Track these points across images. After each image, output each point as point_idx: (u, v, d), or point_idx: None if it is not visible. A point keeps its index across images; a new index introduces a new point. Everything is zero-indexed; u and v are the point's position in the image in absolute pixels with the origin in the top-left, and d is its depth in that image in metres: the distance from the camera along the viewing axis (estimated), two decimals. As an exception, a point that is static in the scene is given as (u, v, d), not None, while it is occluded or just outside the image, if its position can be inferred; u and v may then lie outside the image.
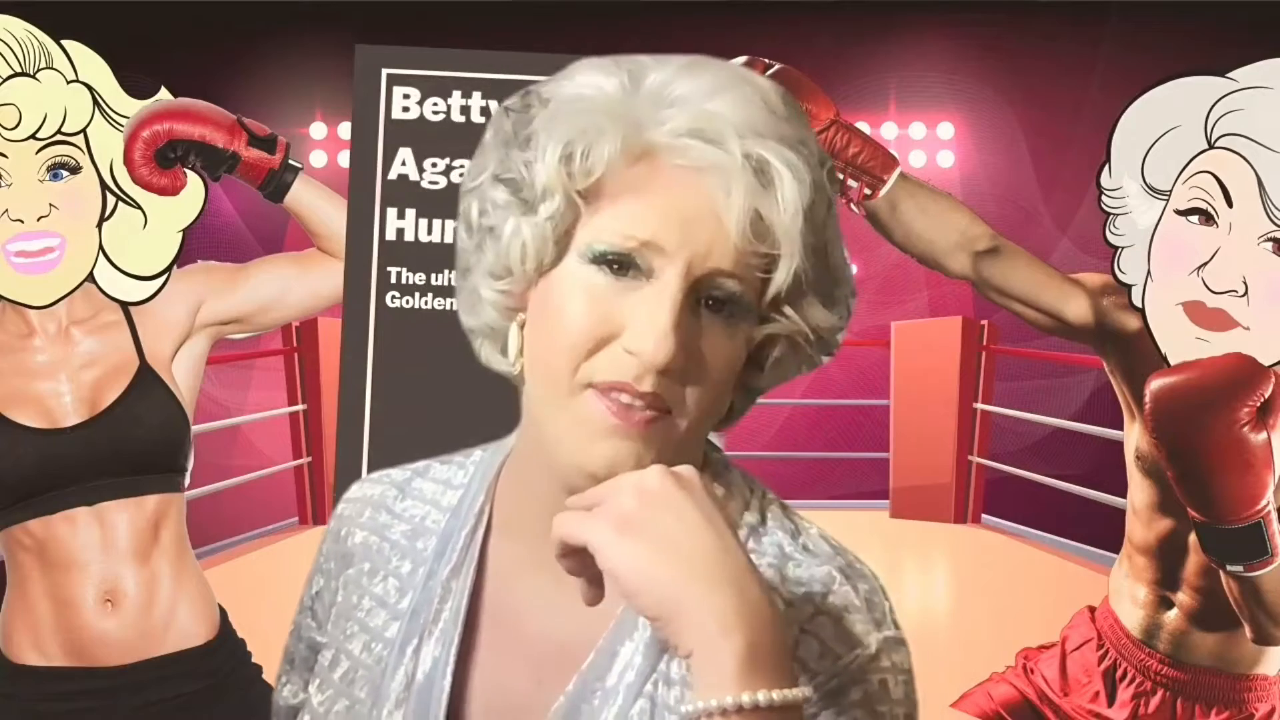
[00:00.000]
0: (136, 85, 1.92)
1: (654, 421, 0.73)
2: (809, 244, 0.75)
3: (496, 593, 0.83)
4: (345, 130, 6.33)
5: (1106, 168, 1.87)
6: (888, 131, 6.66)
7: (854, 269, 0.82)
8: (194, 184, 1.93)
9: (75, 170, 1.86)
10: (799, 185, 0.73)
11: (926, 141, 6.79)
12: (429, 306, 2.01)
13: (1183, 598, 1.95)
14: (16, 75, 1.83)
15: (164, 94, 1.93)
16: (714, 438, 0.85)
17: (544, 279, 0.76)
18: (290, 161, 1.96)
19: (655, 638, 0.76)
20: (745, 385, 0.80)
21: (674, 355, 0.72)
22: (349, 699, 0.84)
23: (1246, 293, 1.77)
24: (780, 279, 0.74)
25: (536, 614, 0.82)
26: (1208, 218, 1.79)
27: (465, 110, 2.02)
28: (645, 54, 0.78)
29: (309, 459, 5.67)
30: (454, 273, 0.83)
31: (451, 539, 0.85)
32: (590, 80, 0.76)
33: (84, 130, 1.87)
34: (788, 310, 0.77)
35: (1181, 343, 1.80)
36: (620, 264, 0.73)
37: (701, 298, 0.74)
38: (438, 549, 0.85)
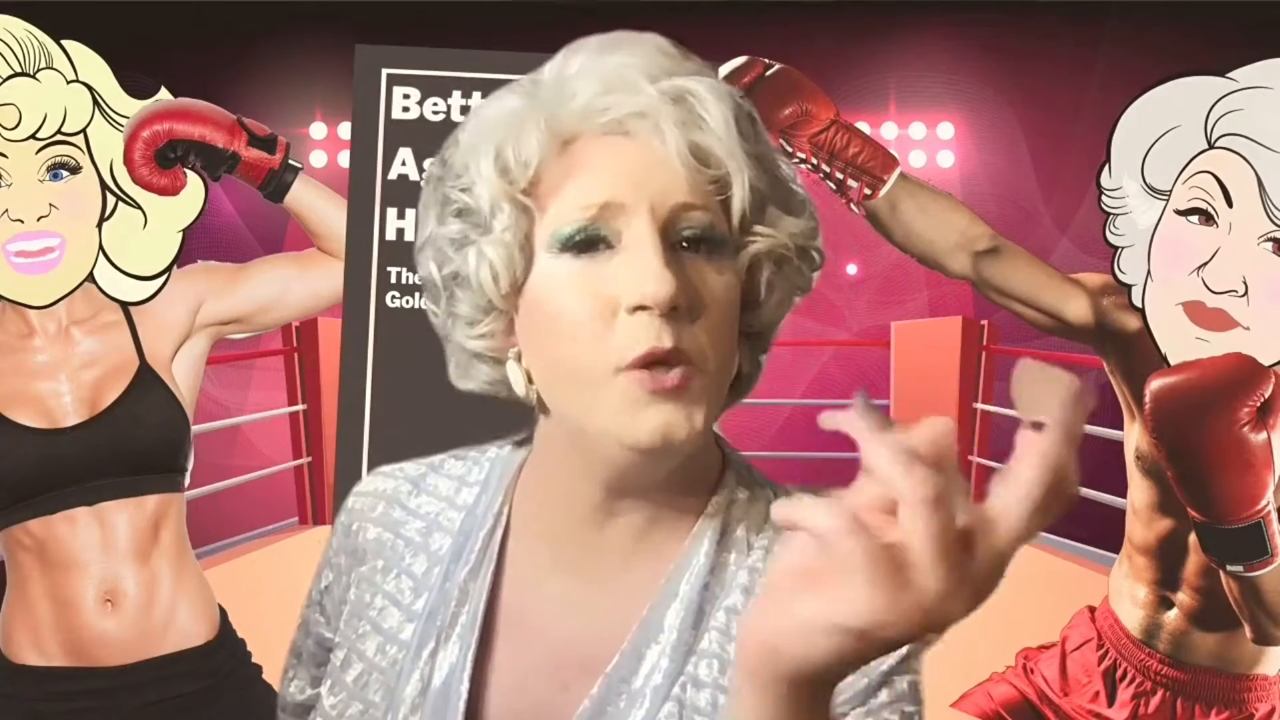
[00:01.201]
0: (136, 85, 1.92)
1: (686, 377, 0.72)
2: (750, 154, 0.76)
3: (516, 595, 0.82)
4: (345, 130, 6.32)
5: (1106, 168, 1.87)
6: (888, 131, 6.66)
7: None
8: (194, 184, 1.93)
9: (75, 170, 1.86)
10: (719, 101, 0.75)
11: (926, 141, 6.79)
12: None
13: (1183, 598, 1.95)
14: (16, 75, 1.82)
15: (164, 94, 1.93)
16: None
17: (523, 297, 0.76)
18: (290, 161, 1.96)
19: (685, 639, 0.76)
20: (749, 331, 0.79)
21: (676, 288, 0.71)
22: (362, 703, 0.83)
23: (1246, 293, 1.77)
24: (739, 194, 0.75)
25: (558, 617, 0.80)
26: (1208, 218, 1.79)
27: (465, 110, 2.03)
28: None
29: (309, 459, 5.67)
30: (445, 346, 0.83)
31: (469, 539, 0.83)
32: (495, 101, 0.79)
33: (84, 130, 1.87)
34: (758, 228, 0.77)
35: (1181, 343, 1.80)
36: (587, 241, 0.73)
37: (677, 240, 0.74)
38: (454, 549, 0.83)
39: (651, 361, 0.72)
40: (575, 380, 0.74)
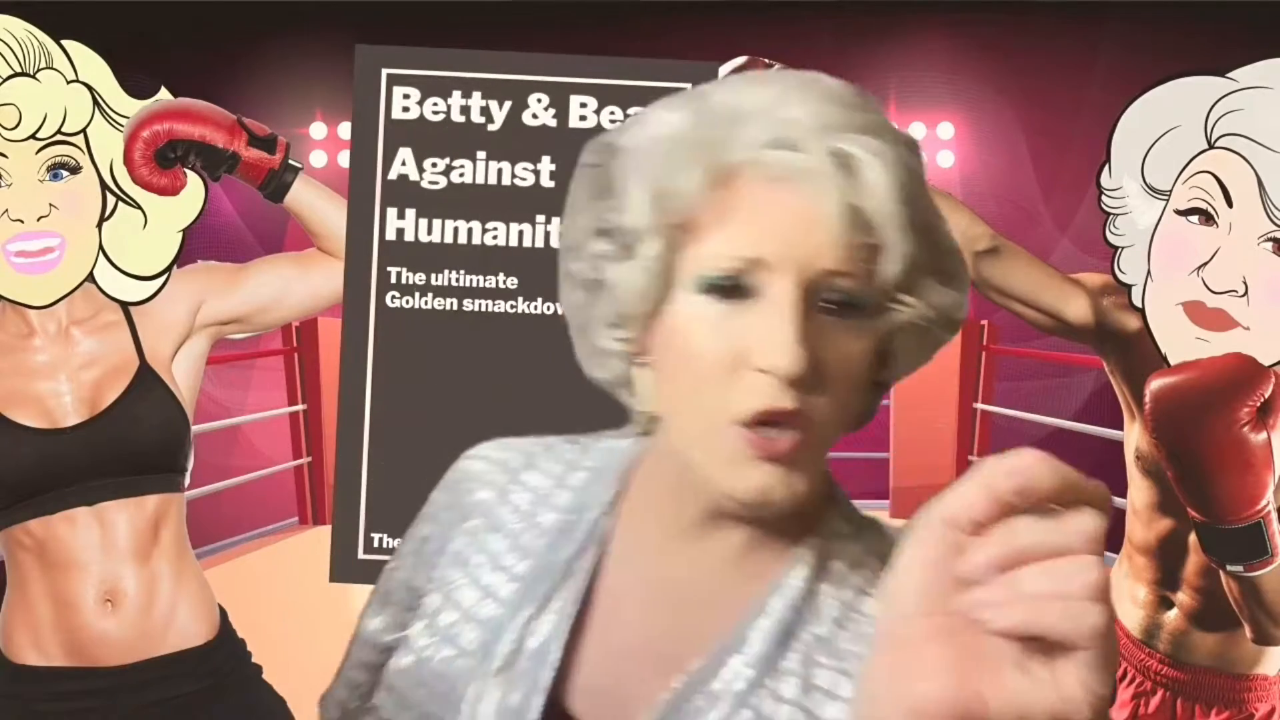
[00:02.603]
0: (136, 85, 1.92)
1: (797, 444, 0.73)
2: (912, 225, 0.74)
3: (616, 581, 0.84)
4: (345, 130, 6.33)
5: (1106, 168, 1.87)
6: (888, 131, 6.66)
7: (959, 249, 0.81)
8: (194, 184, 1.93)
9: (75, 170, 1.86)
10: (887, 170, 0.73)
11: (926, 141, 6.80)
12: (429, 306, 2.01)
13: (1183, 598, 1.95)
14: (16, 75, 1.82)
15: (164, 94, 1.93)
16: None
17: (659, 320, 0.77)
18: (290, 161, 1.96)
19: (770, 654, 0.77)
20: (875, 382, 0.79)
21: (805, 365, 0.71)
22: (454, 649, 0.85)
23: (1246, 293, 1.77)
24: (892, 265, 0.74)
25: (651, 610, 0.82)
26: (1208, 218, 1.79)
27: (465, 110, 2.03)
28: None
29: (309, 459, 5.67)
30: (572, 332, 0.84)
31: (578, 519, 0.85)
32: (660, 119, 0.77)
33: (84, 130, 1.87)
34: (905, 298, 0.76)
35: (1181, 343, 1.80)
36: (730, 288, 0.73)
37: (818, 302, 0.73)
38: (560, 525, 0.86)
39: (767, 420, 0.72)
40: (692, 418, 0.75)
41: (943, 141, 6.82)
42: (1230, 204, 1.77)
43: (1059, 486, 0.48)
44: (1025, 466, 0.49)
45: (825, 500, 0.83)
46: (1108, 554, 0.53)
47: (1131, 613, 2.00)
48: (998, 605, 0.48)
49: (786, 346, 0.71)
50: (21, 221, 1.84)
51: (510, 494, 0.89)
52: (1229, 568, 1.73)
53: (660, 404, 0.79)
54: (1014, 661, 0.48)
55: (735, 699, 0.77)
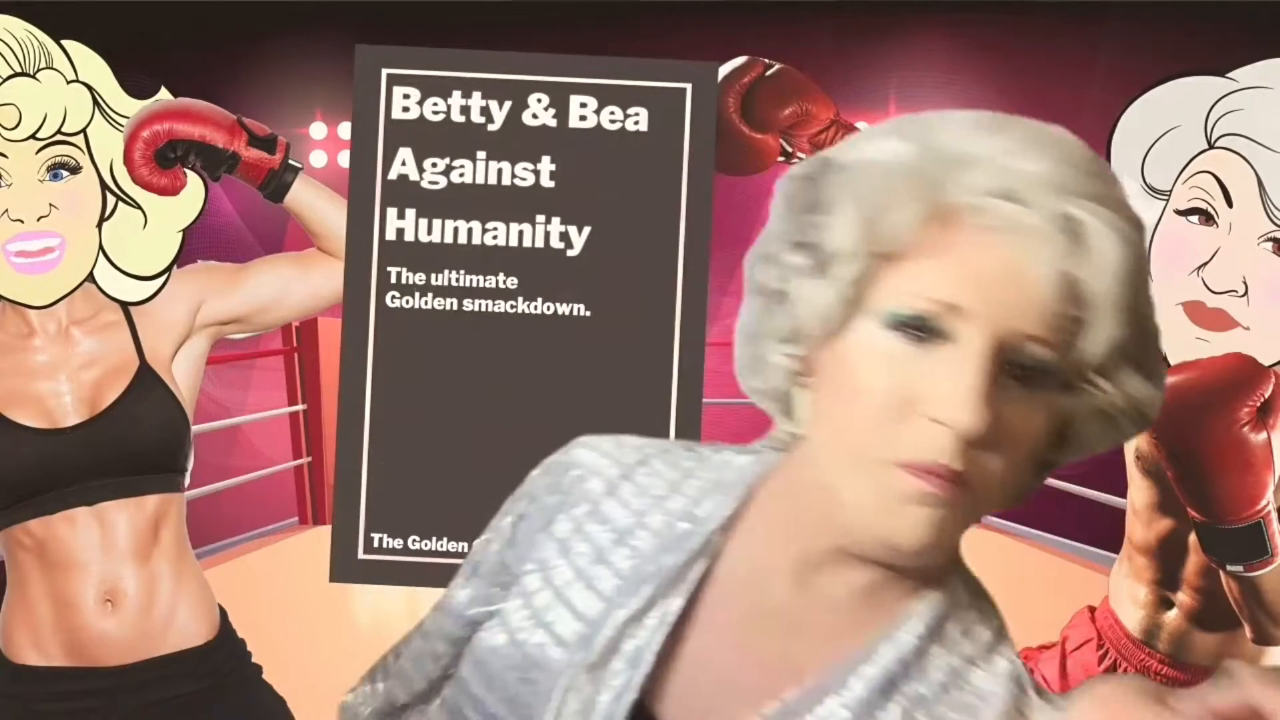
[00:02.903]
0: (136, 85, 1.92)
1: (958, 495, 0.71)
2: (1129, 309, 0.71)
3: (721, 597, 0.82)
4: (345, 130, 6.32)
5: (1106, 168, 1.87)
6: (888, 131, 6.66)
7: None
8: (194, 184, 1.93)
9: (75, 170, 1.86)
10: (1119, 246, 0.70)
11: (926, 141, 6.79)
12: (429, 306, 2.01)
13: (1183, 598, 1.95)
14: (16, 75, 1.82)
15: (164, 94, 1.93)
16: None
17: (833, 344, 0.75)
18: (290, 161, 1.96)
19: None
20: (1043, 460, 0.76)
21: (985, 424, 0.68)
22: (550, 636, 0.83)
23: (1246, 293, 1.77)
24: (1096, 347, 0.71)
25: (753, 633, 0.81)
26: (1208, 218, 1.79)
27: (465, 110, 2.02)
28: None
29: (309, 459, 5.67)
30: (738, 338, 0.82)
31: (691, 528, 0.83)
32: (884, 145, 0.75)
33: (84, 130, 1.87)
34: (1100, 381, 0.73)
35: (1181, 343, 1.80)
36: (919, 328, 0.71)
37: (1006, 364, 0.71)
38: (672, 531, 0.83)
39: (932, 474, 0.70)
40: (852, 452, 0.73)
41: (943, 141, 6.81)
42: (1230, 204, 1.77)
43: None
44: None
45: (952, 563, 0.81)
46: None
47: (1131, 613, 2.00)
48: None
49: (970, 403, 0.68)
50: (21, 221, 1.84)
51: (620, 489, 0.86)
52: (1229, 568, 1.74)
53: (815, 429, 0.77)
54: None
55: None
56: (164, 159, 1.87)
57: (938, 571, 0.80)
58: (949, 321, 0.70)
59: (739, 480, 0.84)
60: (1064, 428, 0.75)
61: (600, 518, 0.86)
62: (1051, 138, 0.73)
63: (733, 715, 0.79)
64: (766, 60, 2.09)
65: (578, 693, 0.80)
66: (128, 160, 1.85)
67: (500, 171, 2.02)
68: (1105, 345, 0.71)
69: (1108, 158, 1.87)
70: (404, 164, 2.03)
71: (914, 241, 0.72)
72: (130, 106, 1.89)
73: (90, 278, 1.89)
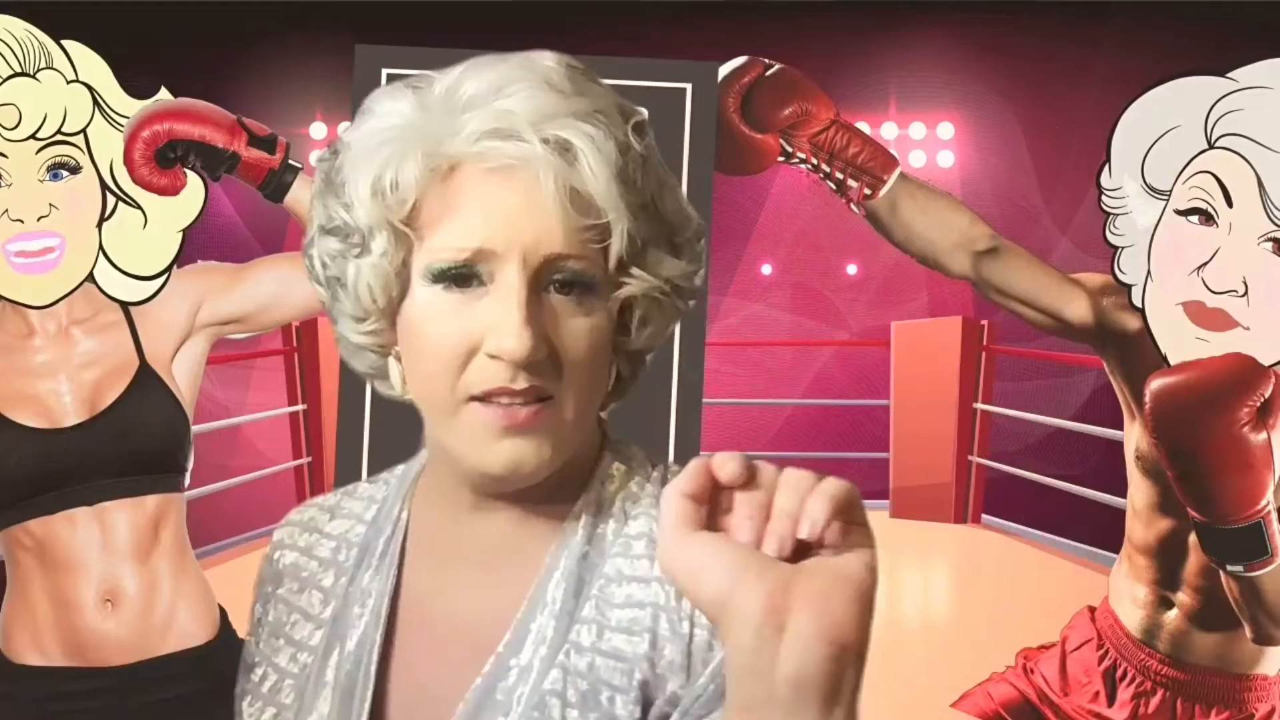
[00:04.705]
0: (136, 85, 1.92)
1: (540, 413, 0.76)
2: (632, 203, 0.77)
3: (415, 588, 0.86)
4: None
5: (1106, 168, 1.87)
6: (888, 131, 6.66)
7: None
8: (194, 184, 1.93)
9: (75, 170, 1.86)
10: (601, 153, 0.75)
11: (926, 141, 6.79)
12: (429, 306, 2.01)
13: (1183, 598, 1.95)
14: (16, 75, 1.83)
15: (164, 94, 1.93)
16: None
17: (401, 311, 0.80)
18: (290, 161, 1.96)
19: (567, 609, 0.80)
20: (623, 351, 0.83)
21: (533, 347, 0.74)
22: (276, 706, 0.88)
23: (1246, 293, 1.77)
24: (616, 244, 0.77)
25: (454, 604, 0.84)
26: (1208, 218, 1.79)
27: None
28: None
29: (309, 459, 5.67)
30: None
31: (370, 546, 0.88)
32: (383, 109, 0.79)
33: (84, 130, 1.87)
34: (635, 271, 0.79)
35: (1181, 343, 1.80)
36: (461, 277, 0.76)
37: (547, 284, 0.76)
38: (358, 558, 0.88)
39: (502, 395, 0.76)
40: (433, 401, 0.79)
41: (943, 141, 6.81)
42: (1230, 204, 1.77)
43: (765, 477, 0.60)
44: (731, 455, 0.59)
45: (596, 459, 0.85)
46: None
47: (1132, 613, 2.00)
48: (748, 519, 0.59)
49: (513, 331, 0.74)
50: (21, 221, 1.84)
51: (315, 549, 0.91)
52: (1229, 568, 1.74)
53: (412, 393, 0.82)
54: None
55: (542, 664, 0.79)
56: (164, 159, 1.87)
57: (584, 474, 0.84)
58: (484, 264, 0.76)
59: (401, 481, 0.91)
60: (625, 319, 0.81)
61: (304, 584, 0.90)
62: (531, 68, 0.78)
63: (458, 684, 0.81)
64: (766, 60, 2.09)
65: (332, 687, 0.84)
66: (128, 160, 1.85)
67: (500, 171, 2.02)
68: (624, 240, 0.77)
69: (1108, 158, 1.87)
70: (404, 164, 2.03)
71: (431, 198, 0.76)
72: (130, 106, 1.89)
73: (90, 278, 1.89)
